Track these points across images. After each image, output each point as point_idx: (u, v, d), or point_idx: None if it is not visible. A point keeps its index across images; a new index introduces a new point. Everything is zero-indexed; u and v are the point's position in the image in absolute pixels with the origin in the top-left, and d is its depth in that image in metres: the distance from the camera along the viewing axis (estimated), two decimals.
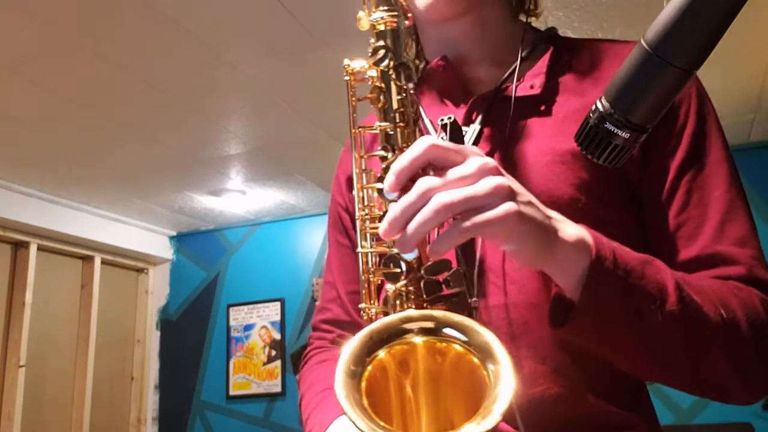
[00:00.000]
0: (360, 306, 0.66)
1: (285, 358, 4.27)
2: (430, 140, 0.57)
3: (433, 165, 0.57)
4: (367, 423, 0.49)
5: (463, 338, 0.54)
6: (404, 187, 0.57)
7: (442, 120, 0.76)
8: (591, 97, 0.76)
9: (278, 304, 4.37)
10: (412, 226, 0.54)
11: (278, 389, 4.23)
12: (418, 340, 0.56)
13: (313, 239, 4.41)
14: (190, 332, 4.57)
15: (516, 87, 0.78)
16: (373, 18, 0.68)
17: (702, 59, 0.52)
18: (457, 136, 0.76)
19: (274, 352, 4.31)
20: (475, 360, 0.53)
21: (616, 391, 0.71)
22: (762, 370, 0.65)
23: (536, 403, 0.69)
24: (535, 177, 0.73)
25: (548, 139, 0.75)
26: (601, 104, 0.56)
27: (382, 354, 0.55)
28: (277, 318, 4.35)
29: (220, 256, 4.65)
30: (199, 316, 4.58)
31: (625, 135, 0.55)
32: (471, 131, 0.77)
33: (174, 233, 4.80)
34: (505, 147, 0.76)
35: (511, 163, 0.75)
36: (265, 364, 4.31)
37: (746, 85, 2.87)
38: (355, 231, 0.67)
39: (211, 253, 4.67)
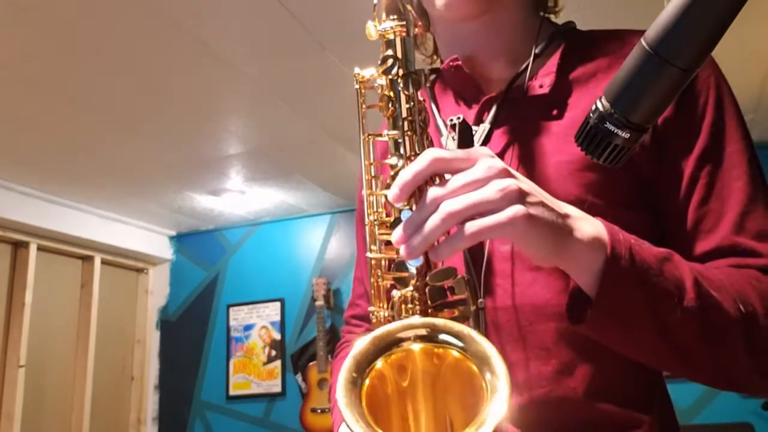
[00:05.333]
0: (369, 309, 0.67)
1: (285, 358, 4.28)
2: (434, 153, 0.57)
3: (439, 175, 0.58)
4: (364, 428, 0.50)
5: (462, 345, 0.55)
6: (412, 195, 0.58)
7: (452, 120, 0.76)
8: (601, 92, 0.76)
9: (278, 304, 4.37)
10: (418, 235, 0.55)
11: (278, 389, 4.23)
12: (417, 347, 0.57)
13: (313, 239, 4.41)
14: (190, 332, 4.57)
15: (527, 86, 0.78)
16: (381, 28, 0.68)
17: (702, 59, 0.52)
18: (466, 136, 0.76)
19: (274, 352, 4.32)
20: (474, 368, 0.54)
21: (624, 391, 0.70)
22: None
23: (540, 405, 0.69)
24: (541, 177, 0.73)
25: (556, 139, 0.75)
26: (601, 104, 0.56)
27: (382, 363, 0.56)
28: (277, 318, 4.35)
29: (219, 256, 4.65)
30: (199, 316, 4.58)
31: (625, 135, 0.55)
32: (480, 131, 0.77)
33: (174, 233, 4.80)
34: (512, 147, 0.76)
35: (518, 164, 0.75)
36: (265, 364, 4.32)
37: (745, 86, 2.87)
38: (365, 236, 0.68)
39: (211, 253, 4.68)
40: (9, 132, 2.98)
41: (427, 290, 0.61)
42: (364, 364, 0.55)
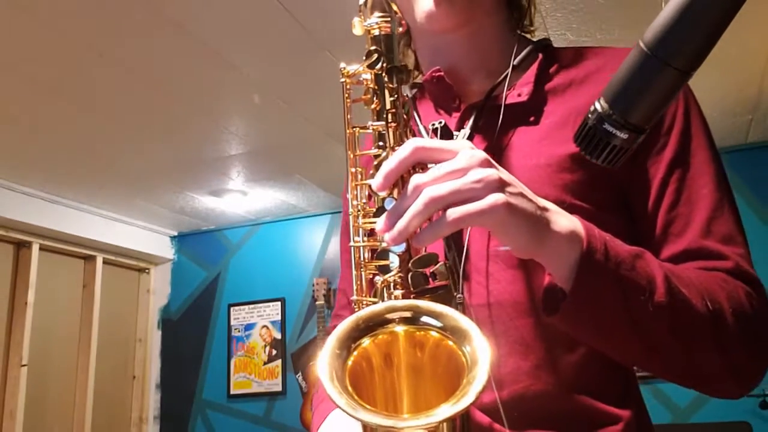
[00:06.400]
0: (352, 298, 0.68)
1: (285, 358, 4.28)
2: (417, 142, 0.59)
3: (421, 165, 0.60)
4: (347, 400, 0.51)
5: (441, 325, 0.57)
6: (395, 185, 0.60)
7: (433, 125, 0.78)
8: (577, 101, 0.78)
9: (279, 303, 4.38)
10: (402, 221, 0.57)
11: (279, 388, 4.24)
12: (400, 328, 0.58)
13: (313, 239, 4.42)
14: (192, 331, 4.58)
15: (506, 95, 0.80)
16: (367, 23, 0.70)
17: (700, 60, 0.52)
18: (447, 140, 0.78)
19: (274, 352, 4.32)
20: (452, 344, 0.56)
21: (601, 386, 0.72)
22: (748, 360, 0.67)
23: (519, 400, 0.71)
24: (521, 179, 0.74)
25: (534, 144, 0.77)
26: (600, 105, 0.57)
27: (366, 342, 0.57)
28: (278, 317, 4.36)
29: (221, 256, 4.66)
30: (200, 316, 4.59)
31: (624, 136, 0.55)
32: (461, 136, 0.80)
33: (175, 233, 4.81)
34: (492, 152, 0.78)
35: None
36: (265, 363, 4.33)
37: (744, 86, 2.87)
38: (349, 226, 0.69)
39: (212, 253, 4.68)
40: (11, 132, 2.99)
41: (409, 276, 0.62)
42: (348, 342, 0.56)
